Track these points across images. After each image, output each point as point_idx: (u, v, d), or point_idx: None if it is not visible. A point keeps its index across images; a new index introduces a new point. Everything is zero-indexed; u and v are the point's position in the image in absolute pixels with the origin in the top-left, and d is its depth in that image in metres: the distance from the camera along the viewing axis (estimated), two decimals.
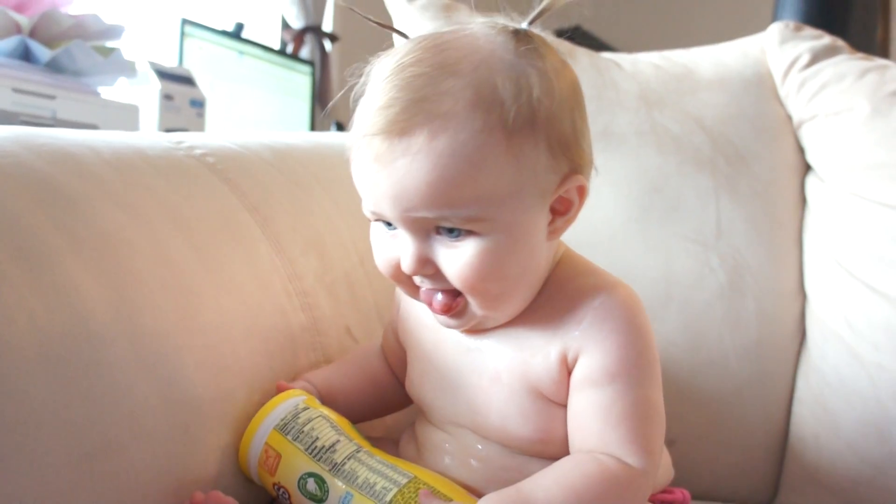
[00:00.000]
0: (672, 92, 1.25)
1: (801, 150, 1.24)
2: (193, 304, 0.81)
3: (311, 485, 0.74)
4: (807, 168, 1.23)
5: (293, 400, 0.81)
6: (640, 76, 1.27)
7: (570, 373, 0.72)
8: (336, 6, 3.04)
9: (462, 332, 0.77)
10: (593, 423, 0.70)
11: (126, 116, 1.62)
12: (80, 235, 0.75)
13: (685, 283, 1.15)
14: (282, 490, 0.76)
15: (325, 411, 0.80)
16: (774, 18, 1.91)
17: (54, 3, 1.55)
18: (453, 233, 0.68)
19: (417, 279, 0.73)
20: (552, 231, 0.73)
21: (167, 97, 1.93)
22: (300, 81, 2.63)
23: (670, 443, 1.08)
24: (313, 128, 2.68)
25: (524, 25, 0.71)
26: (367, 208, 0.73)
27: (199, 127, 1.98)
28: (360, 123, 0.69)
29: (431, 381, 0.81)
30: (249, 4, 2.86)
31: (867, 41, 1.92)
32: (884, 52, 3.57)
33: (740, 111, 1.23)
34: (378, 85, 0.69)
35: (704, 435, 1.13)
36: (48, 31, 1.50)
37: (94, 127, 1.53)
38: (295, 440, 0.77)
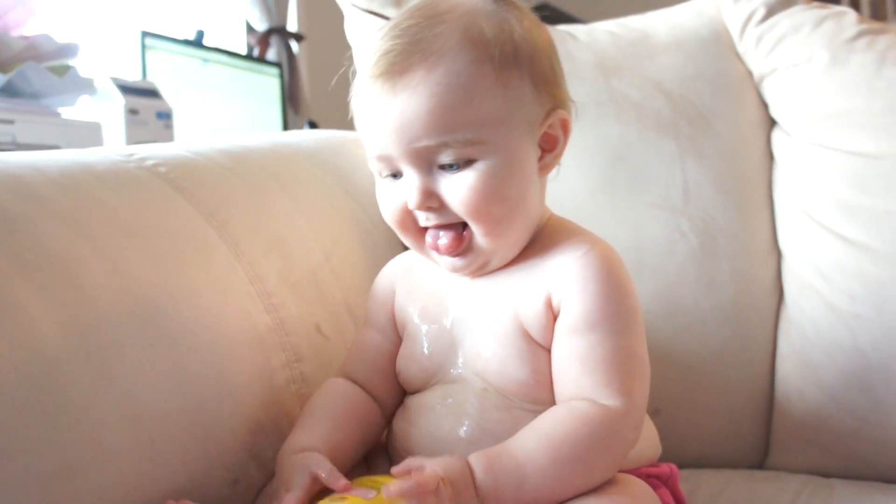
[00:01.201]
0: (629, 58, 1.23)
1: (765, 106, 1.22)
2: (150, 316, 0.80)
3: None
4: (772, 123, 1.22)
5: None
6: (595, 45, 1.25)
7: (555, 318, 0.77)
8: (300, 5, 3.02)
9: (466, 276, 0.82)
10: (572, 368, 0.75)
11: (88, 135, 1.61)
12: (25, 257, 0.73)
13: (656, 250, 1.13)
14: None
15: None
16: None
17: (5, 26, 1.53)
18: (454, 167, 0.75)
19: (423, 218, 0.78)
20: (542, 166, 0.80)
21: (132, 112, 1.91)
22: (269, 84, 2.62)
23: (655, 412, 1.07)
24: (286, 129, 2.66)
25: None
26: (373, 153, 0.79)
27: (168, 139, 1.97)
28: (362, 72, 0.77)
29: (433, 340, 0.84)
30: (209, 11, 2.84)
31: None
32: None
33: (699, 71, 1.22)
34: (377, 40, 0.76)
35: (689, 401, 1.12)
36: (1, 55, 1.48)
37: (55, 148, 1.51)
38: None
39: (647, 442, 0.87)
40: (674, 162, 1.16)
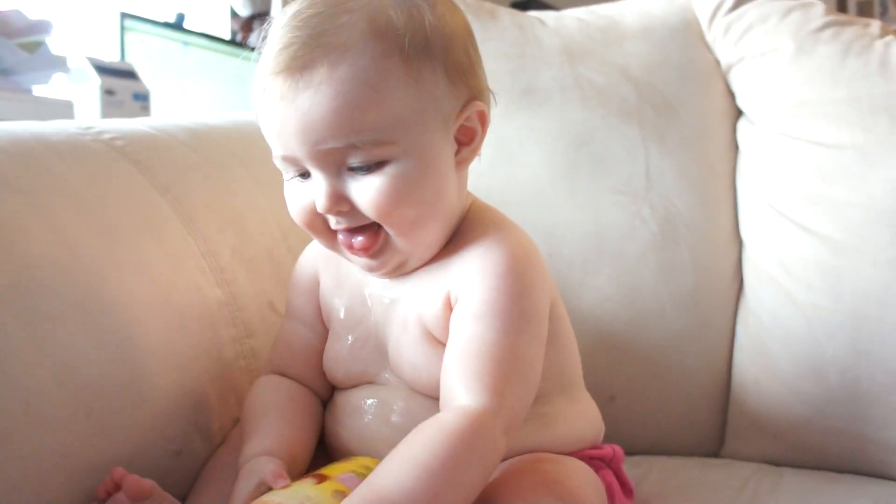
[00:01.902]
0: (597, 44, 1.23)
1: (732, 95, 1.22)
2: (94, 285, 0.79)
3: None
4: (738, 113, 1.21)
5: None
6: (563, 31, 1.25)
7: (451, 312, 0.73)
8: None
9: (383, 276, 0.79)
10: (449, 359, 0.70)
11: (60, 112, 1.60)
12: None
13: (616, 236, 1.13)
14: None
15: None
16: None
17: None
18: (363, 169, 0.70)
19: (333, 221, 0.74)
20: (459, 161, 0.76)
21: (108, 92, 1.90)
22: (251, 69, 2.60)
23: (610, 399, 1.07)
24: None
25: None
26: (278, 154, 0.74)
27: None
28: (263, 67, 0.72)
29: (360, 347, 0.82)
30: None
31: None
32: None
33: (666, 59, 1.21)
34: (277, 30, 0.71)
35: (645, 388, 1.11)
36: None
37: None
38: None
39: (587, 422, 0.87)
40: (637, 148, 1.16)
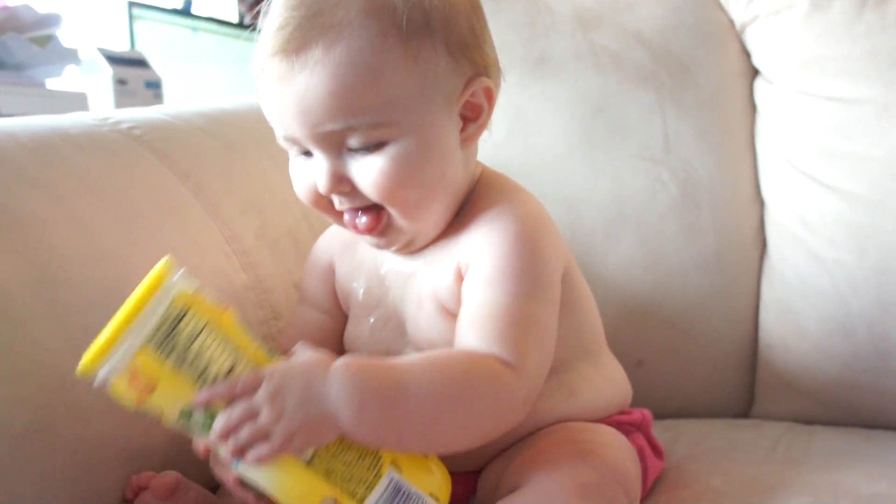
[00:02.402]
0: (608, 9, 1.22)
1: (747, 55, 1.21)
2: (121, 275, 0.80)
3: (199, 417, 0.61)
4: (754, 72, 1.20)
5: (167, 293, 0.61)
6: None
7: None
8: None
9: (397, 253, 0.78)
10: (465, 325, 0.70)
11: (74, 105, 1.61)
12: None
13: (637, 201, 1.13)
14: (149, 411, 0.62)
15: (209, 312, 0.63)
16: None
17: None
18: (364, 150, 0.69)
19: (336, 201, 0.73)
20: (465, 138, 0.74)
21: (121, 82, 1.91)
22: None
23: (638, 364, 1.07)
24: None
25: None
26: (279, 135, 0.74)
27: None
28: (260, 48, 0.71)
29: (380, 328, 0.81)
30: None
31: None
32: None
33: (680, 21, 1.20)
34: (274, 9, 0.70)
35: (672, 352, 1.12)
36: None
37: None
38: (178, 364, 0.60)
39: (613, 388, 0.87)
40: (654, 113, 1.15)
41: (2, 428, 0.66)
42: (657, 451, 0.87)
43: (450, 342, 0.72)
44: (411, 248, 0.78)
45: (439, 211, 0.75)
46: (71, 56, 1.60)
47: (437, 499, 0.65)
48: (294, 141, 0.72)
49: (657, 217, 1.12)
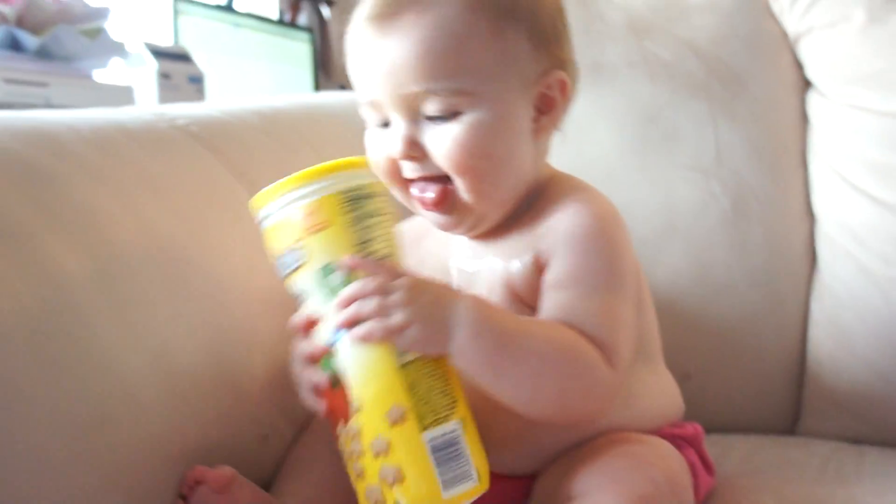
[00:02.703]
0: (661, 18, 1.22)
1: (800, 67, 1.21)
2: (181, 271, 0.80)
3: (335, 279, 0.66)
4: (807, 84, 1.20)
5: (370, 173, 0.71)
6: (626, 5, 1.24)
7: (541, 275, 0.74)
8: None
9: (463, 234, 0.80)
10: (556, 318, 0.72)
11: (121, 98, 1.62)
12: (59, 212, 0.74)
13: (688, 213, 1.13)
14: (296, 254, 0.67)
15: (389, 209, 0.70)
16: None
17: None
18: (440, 118, 0.72)
19: (408, 168, 0.75)
20: (537, 128, 0.77)
21: (164, 76, 1.92)
22: (300, 49, 2.61)
23: (686, 377, 1.06)
24: (317, 92, 2.66)
25: None
26: (363, 99, 0.77)
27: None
28: (356, 15, 0.75)
29: None
30: None
31: None
32: None
33: (733, 31, 1.20)
34: None
35: (720, 366, 1.11)
36: (33, 18, 1.49)
37: None
38: (353, 223, 0.66)
39: (668, 399, 0.87)
40: (706, 123, 1.15)
41: (64, 420, 0.66)
42: (708, 467, 0.86)
43: None
44: (475, 232, 0.79)
45: (504, 190, 0.76)
46: (119, 49, 1.61)
47: (479, 476, 0.65)
48: (376, 106, 0.75)
49: (707, 229, 1.12)
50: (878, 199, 1.07)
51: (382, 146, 0.76)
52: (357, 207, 0.66)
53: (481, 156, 0.73)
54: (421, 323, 0.64)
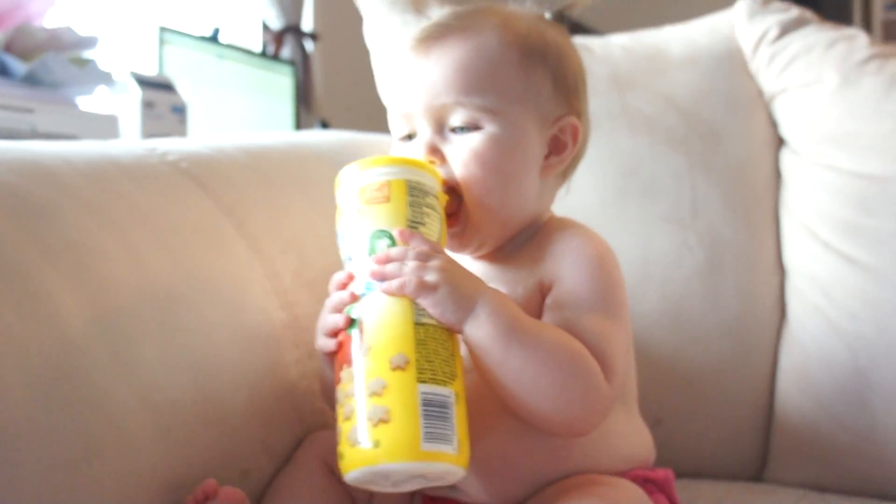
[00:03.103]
0: (643, 73, 1.25)
1: (775, 125, 1.24)
2: (171, 307, 0.82)
3: (382, 244, 0.72)
4: (780, 142, 1.24)
5: (433, 178, 0.77)
6: (610, 59, 1.27)
7: (544, 298, 0.80)
8: (315, 5, 3.04)
9: (466, 254, 0.85)
10: None
11: (105, 126, 1.63)
12: (53, 246, 0.75)
13: (664, 263, 1.16)
14: (355, 220, 0.74)
15: (442, 214, 0.77)
16: None
17: (28, 16, 1.55)
18: (464, 129, 0.80)
19: None
20: (545, 167, 0.84)
21: (148, 105, 1.93)
22: (282, 82, 2.63)
23: (657, 423, 1.08)
24: (298, 127, 2.68)
25: (548, 16, 0.88)
26: (396, 112, 0.85)
27: (182, 133, 1.99)
28: (407, 40, 0.83)
29: None
30: (227, 8, 2.86)
31: (840, 10, 1.92)
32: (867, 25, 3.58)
33: (712, 88, 1.24)
34: (430, 19, 0.84)
35: (690, 412, 1.14)
36: (23, 44, 1.51)
37: (73, 138, 1.53)
38: (409, 206, 0.73)
39: (641, 441, 0.89)
40: (683, 176, 1.18)
41: (52, 455, 0.67)
42: None
43: None
44: (480, 252, 0.85)
45: (507, 212, 0.82)
46: (106, 78, 1.62)
47: (459, 449, 0.67)
48: (407, 117, 0.83)
49: (682, 279, 1.15)
50: (846, 256, 1.10)
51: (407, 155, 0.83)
52: (417, 195, 0.74)
53: (492, 168, 0.79)
54: (449, 287, 0.70)
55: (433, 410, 0.66)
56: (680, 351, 1.14)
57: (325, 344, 0.74)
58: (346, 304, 0.72)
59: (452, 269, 0.72)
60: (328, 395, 0.78)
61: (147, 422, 0.74)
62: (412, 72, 0.82)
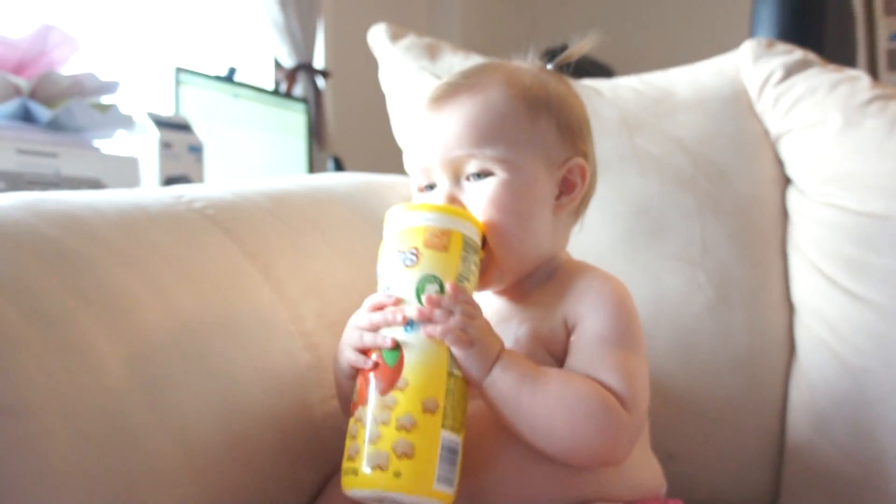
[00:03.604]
0: (651, 115, 1.29)
1: (781, 164, 1.28)
2: (201, 351, 0.85)
3: (431, 288, 0.77)
4: (787, 181, 1.27)
5: (480, 234, 0.83)
6: (619, 102, 1.31)
7: (569, 336, 0.85)
8: (327, 43, 3.09)
9: (486, 288, 0.90)
10: (585, 370, 0.81)
11: (127, 169, 1.67)
12: (91, 295, 0.79)
13: (674, 301, 1.19)
14: (412, 256, 0.79)
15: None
16: (751, 33, 1.96)
17: (51, 63, 1.60)
18: (479, 177, 0.85)
19: None
20: (557, 206, 0.90)
21: (166, 145, 1.98)
22: (295, 119, 2.69)
23: (670, 457, 1.11)
24: (311, 163, 2.72)
25: (550, 66, 0.94)
26: (415, 165, 0.90)
27: (199, 172, 2.03)
28: (423, 101, 0.90)
29: None
30: (241, 47, 2.91)
31: (844, 50, 1.96)
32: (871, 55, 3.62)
33: (719, 129, 1.28)
34: (443, 79, 0.93)
35: (702, 446, 1.16)
36: (47, 91, 1.55)
37: (96, 181, 1.58)
38: (460, 259, 0.79)
39: (652, 472, 0.92)
40: (692, 216, 1.22)
41: (94, 496, 0.70)
42: None
43: None
44: (499, 287, 0.90)
45: (524, 248, 0.87)
46: (127, 122, 1.67)
47: (455, 492, 0.75)
48: (426, 171, 0.88)
49: (693, 316, 1.18)
50: (852, 293, 1.13)
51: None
52: (468, 252, 0.80)
53: (507, 210, 0.84)
54: (482, 346, 0.77)
55: (448, 456, 0.74)
56: (692, 386, 1.17)
57: (357, 360, 0.79)
58: (389, 327, 0.78)
59: (486, 328, 0.79)
60: (346, 405, 0.83)
61: (182, 463, 0.78)
62: (428, 129, 0.88)
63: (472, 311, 0.78)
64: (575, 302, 0.85)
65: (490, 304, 0.91)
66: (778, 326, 1.20)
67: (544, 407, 0.77)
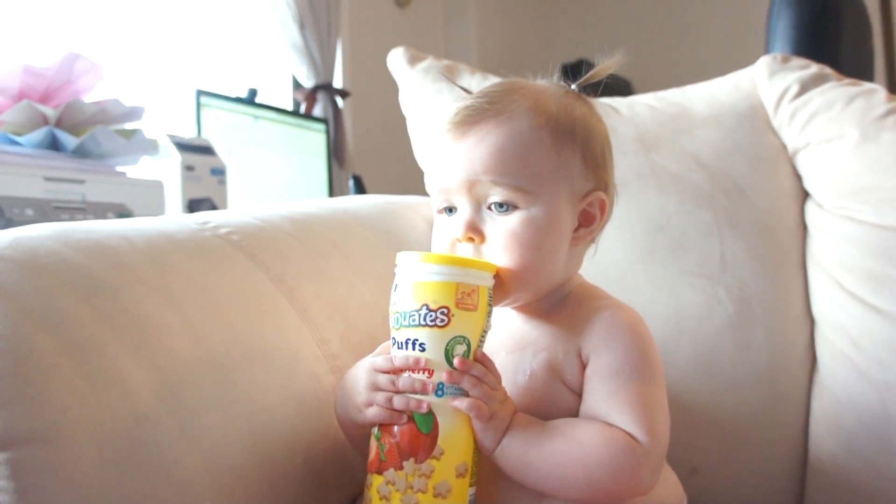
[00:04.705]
0: (669, 132, 1.30)
1: (799, 178, 1.28)
2: (229, 376, 0.87)
3: (461, 349, 0.79)
4: (805, 195, 1.28)
5: (492, 279, 0.83)
6: (636, 119, 1.32)
7: (583, 368, 0.85)
8: (345, 63, 3.12)
9: (509, 317, 0.91)
10: (602, 407, 0.82)
11: (151, 193, 1.70)
12: (121, 323, 0.81)
13: (695, 317, 1.19)
14: (441, 316, 0.79)
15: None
16: (767, 48, 1.96)
17: (77, 91, 1.63)
18: (502, 207, 0.84)
19: (463, 250, 0.87)
20: (576, 237, 0.89)
21: (188, 168, 2.01)
22: (315, 139, 2.71)
23: (692, 472, 1.12)
24: (331, 182, 2.75)
25: (574, 87, 0.93)
26: (436, 187, 0.89)
27: (221, 194, 2.06)
28: (445, 119, 0.88)
29: None
30: (261, 68, 2.94)
31: (861, 63, 1.97)
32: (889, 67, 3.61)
33: (735, 145, 1.28)
34: (463, 99, 0.90)
35: (725, 461, 1.17)
36: (73, 119, 1.58)
37: (121, 206, 1.60)
38: (487, 316, 0.81)
39: (671, 490, 0.93)
40: (711, 232, 1.23)
41: None
42: None
43: (555, 401, 0.85)
44: (510, 305, 0.90)
45: (540, 283, 0.87)
46: (151, 147, 1.70)
47: None
48: (446, 192, 0.87)
49: (713, 332, 1.19)
50: (872, 306, 1.13)
51: (447, 230, 0.88)
52: (490, 304, 0.81)
53: (530, 247, 0.84)
54: (497, 419, 0.79)
55: None
56: (713, 401, 1.17)
57: (386, 417, 0.80)
58: (419, 392, 0.79)
59: (503, 400, 0.81)
60: (359, 446, 0.87)
61: (212, 487, 0.79)
62: (450, 152, 0.87)
63: (496, 384, 0.81)
64: (589, 334, 0.85)
65: (507, 327, 0.91)
66: (799, 341, 1.20)
67: (554, 466, 0.79)
